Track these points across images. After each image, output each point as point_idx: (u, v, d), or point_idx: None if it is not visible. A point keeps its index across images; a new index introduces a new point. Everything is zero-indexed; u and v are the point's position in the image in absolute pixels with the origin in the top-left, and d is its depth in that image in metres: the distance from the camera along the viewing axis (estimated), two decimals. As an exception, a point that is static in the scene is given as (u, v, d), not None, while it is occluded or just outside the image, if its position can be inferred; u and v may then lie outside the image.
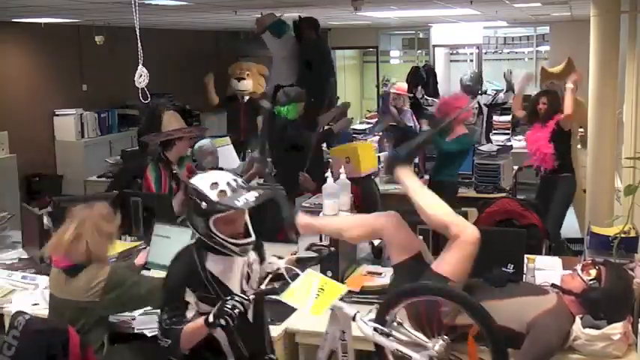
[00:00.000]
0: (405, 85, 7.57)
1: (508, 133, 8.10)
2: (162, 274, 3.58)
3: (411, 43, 12.55)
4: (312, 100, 5.77)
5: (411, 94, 7.51)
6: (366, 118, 9.52)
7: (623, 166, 4.99)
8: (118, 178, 6.39)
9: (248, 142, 7.46)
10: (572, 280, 2.86)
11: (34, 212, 4.16)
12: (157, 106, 6.46)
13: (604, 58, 4.79)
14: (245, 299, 2.45)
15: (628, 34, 5.02)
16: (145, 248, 3.97)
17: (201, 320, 2.47)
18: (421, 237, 3.30)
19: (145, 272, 3.65)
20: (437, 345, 2.53)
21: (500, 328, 2.58)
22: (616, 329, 2.73)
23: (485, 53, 11.85)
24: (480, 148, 6.38)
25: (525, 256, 3.38)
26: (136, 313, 3.24)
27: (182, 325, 2.51)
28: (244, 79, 8.07)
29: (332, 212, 3.76)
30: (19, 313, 3.06)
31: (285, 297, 2.44)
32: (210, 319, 2.44)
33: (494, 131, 7.93)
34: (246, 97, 8.04)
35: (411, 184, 3.10)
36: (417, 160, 6.61)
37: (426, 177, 6.18)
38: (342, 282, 3.27)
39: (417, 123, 7.05)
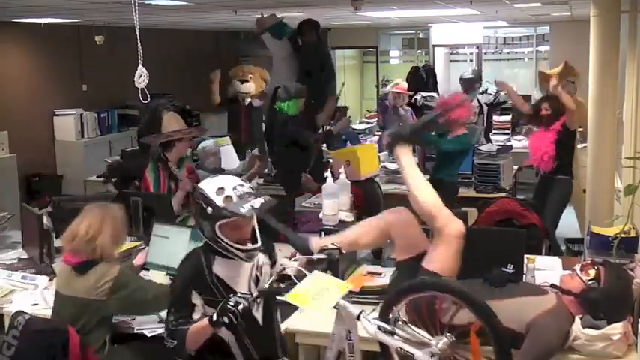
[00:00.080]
0: (405, 84, 7.58)
1: (508, 133, 8.10)
2: (161, 274, 3.62)
3: (411, 43, 12.55)
4: (312, 102, 5.78)
5: (412, 93, 7.53)
6: (366, 118, 9.53)
7: (623, 166, 4.99)
8: (114, 171, 6.38)
9: (248, 145, 7.47)
10: (571, 280, 2.86)
11: (34, 212, 4.16)
12: (157, 106, 6.46)
13: (604, 58, 4.79)
14: (247, 295, 2.45)
15: (628, 34, 5.02)
16: (144, 248, 3.97)
17: (205, 320, 2.48)
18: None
19: (144, 272, 3.64)
20: (440, 342, 2.53)
21: (506, 335, 2.59)
22: (616, 329, 2.73)
23: (485, 53, 11.84)
24: (480, 148, 6.38)
25: (525, 256, 3.38)
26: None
27: (188, 326, 2.52)
28: (247, 81, 8.08)
29: (332, 212, 3.77)
30: (19, 312, 3.07)
31: (290, 297, 2.45)
32: (214, 317, 2.44)
33: (494, 131, 7.93)
34: (247, 100, 8.04)
35: (408, 167, 3.12)
36: (417, 161, 6.62)
37: (426, 177, 6.18)
38: (343, 282, 3.27)
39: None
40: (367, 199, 4.94)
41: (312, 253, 2.98)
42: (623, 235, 3.27)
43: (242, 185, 2.58)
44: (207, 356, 2.63)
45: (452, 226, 2.91)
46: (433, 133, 5.79)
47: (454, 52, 12.67)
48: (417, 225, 3.07)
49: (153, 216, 4.13)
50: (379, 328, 2.58)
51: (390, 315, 2.67)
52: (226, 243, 2.54)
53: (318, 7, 6.33)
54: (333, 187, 3.80)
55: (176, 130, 4.72)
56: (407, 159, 3.15)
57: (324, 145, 6.33)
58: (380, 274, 3.63)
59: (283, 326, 3.12)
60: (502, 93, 7.60)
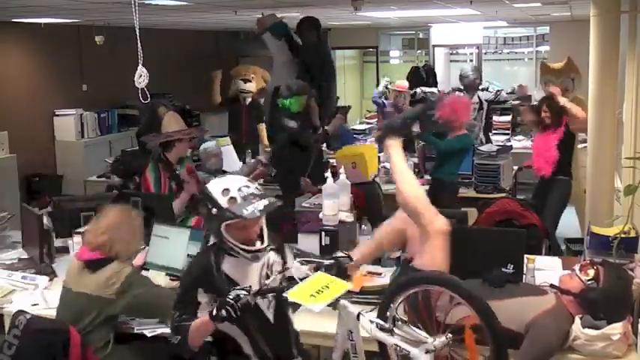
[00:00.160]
0: (406, 83, 7.58)
1: (508, 133, 8.10)
2: (161, 274, 3.62)
3: (411, 43, 12.55)
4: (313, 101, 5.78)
5: (412, 92, 7.54)
6: (366, 118, 9.52)
7: (623, 166, 4.98)
8: (116, 167, 6.41)
9: (249, 145, 7.48)
10: (570, 281, 2.86)
11: (34, 212, 4.16)
12: (157, 106, 6.46)
13: (604, 58, 4.78)
14: (247, 289, 2.45)
15: (628, 34, 5.01)
16: (144, 248, 3.97)
17: (206, 315, 2.49)
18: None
19: (143, 272, 3.64)
20: (436, 340, 2.53)
21: (501, 327, 2.59)
22: (616, 329, 2.73)
23: (485, 53, 11.85)
24: (480, 148, 6.39)
25: (525, 256, 3.38)
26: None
27: (191, 322, 2.53)
28: (250, 81, 8.08)
29: (332, 212, 3.77)
30: (20, 312, 3.08)
31: (291, 294, 2.45)
32: (214, 311, 2.44)
33: (494, 131, 7.93)
34: (248, 100, 8.04)
35: (397, 161, 3.13)
36: (417, 160, 6.63)
37: (427, 177, 6.19)
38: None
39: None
40: (367, 199, 4.93)
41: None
42: (623, 235, 3.27)
43: (248, 186, 2.58)
44: (220, 356, 2.65)
45: (437, 223, 2.92)
46: (433, 133, 5.83)
47: (454, 52, 12.67)
48: None
49: (153, 216, 4.13)
50: (377, 326, 2.59)
51: (388, 314, 2.67)
52: (232, 243, 2.55)
53: (318, 7, 6.33)
54: (333, 187, 3.80)
55: (176, 130, 4.72)
56: (396, 155, 3.15)
57: (324, 145, 6.33)
58: (380, 274, 3.63)
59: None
60: (503, 92, 7.61)
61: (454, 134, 5.61)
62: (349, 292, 2.95)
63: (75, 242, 3.92)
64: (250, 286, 2.49)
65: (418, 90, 7.66)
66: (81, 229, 3.96)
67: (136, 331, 3.16)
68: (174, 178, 4.63)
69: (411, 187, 3.05)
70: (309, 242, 3.81)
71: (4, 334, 3.13)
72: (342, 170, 4.14)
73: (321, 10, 6.88)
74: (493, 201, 4.59)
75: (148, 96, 3.39)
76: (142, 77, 3.28)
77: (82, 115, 8.34)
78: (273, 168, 5.93)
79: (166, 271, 3.67)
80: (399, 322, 2.64)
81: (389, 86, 7.62)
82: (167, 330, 3.06)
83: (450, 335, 2.55)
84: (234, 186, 2.56)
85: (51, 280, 3.72)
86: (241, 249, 2.56)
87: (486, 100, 7.59)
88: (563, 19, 9.74)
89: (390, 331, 2.59)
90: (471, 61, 11.93)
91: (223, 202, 2.53)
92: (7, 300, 3.53)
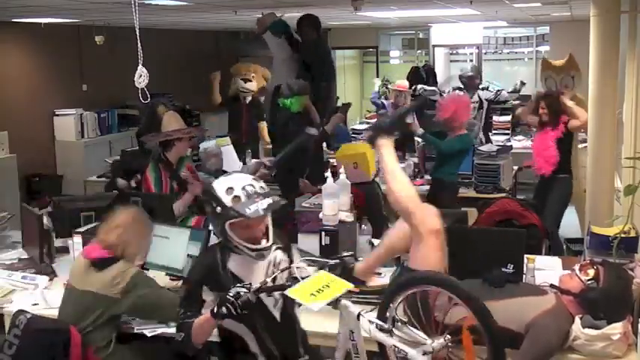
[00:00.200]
0: (406, 82, 7.58)
1: (508, 133, 8.10)
2: (161, 274, 3.62)
3: (411, 43, 12.55)
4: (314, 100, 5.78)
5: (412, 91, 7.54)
6: (366, 118, 9.52)
7: (623, 166, 4.98)
8: (116, 168, 6.40)
9: (249, 144, 7.47)
10: (570, 281, 2.86)
11: (34, 212, 4.16)
12: (157, 106, 6.46)
13: (604, 58, 4.78)
14: (248, 286, 2.45)
15: (628, 34, 5.01)
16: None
17: (208, 312, 2.49)
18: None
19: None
20: (435, 342, 2.53)
21: (498, 328, 2.58)
22: (616, 329, 2.73)
23: (485, 53, 11.85)
24: (480, 148, 6.39)
25: (525, 256, 3.38)
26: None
27: (194, 319, 2.53)
28: (250, 80, 8.07)
29: (332, 212, 3.77)
30: (21, 311, 3.08)
31: (292, 292, 2.45)
32: (215, 309, 2.45)
33: (494, 131, 7.93)
34: (249, 99, 8.04)
35: (389, 160, 3.12)
36: (416, 160, 6.63)
37: (427, 177, 6.19)
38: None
39: (417, 121, 7.05)
40: (367, 199, 4.92)
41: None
42: (623, 235, 3.27)
43: (252, 185, 2.58)
44: (228, 354, 2.66)
45: (429, 222, 2.91)
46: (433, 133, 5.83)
47: (454, 52, 12.68)
48: None
49: (153, 216, 4.13)
50: (376, 327, 2.59)
51: (388, 314, 2.67)
52: (236, 242, 2.56)
53: (318, 7, 6.33)
54: (333, 187, 3.79)
55: (175, 129, 4.72)
56: (387, 155, 3.14)
57: (324, 144, 6.32)
58: (380, 274, 3.63)
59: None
60: (504, 92, 7.61)
61: (454, 134, 5.61)
62: (349, 292, 2.95)
63: (75, 242, 3.91)
64: (250, 284, 2.49)
65: (419, 86, 7.65)
66: (81, 229, 3.96)
67: (136, 331, 3.16)
68: (175, 178, 4.63)
69: (402, 186, 3.04)
70: (309, 242, 3.81)
71: (4, 333, 3.13)
72: (342, 170, 4.13)
73: (321, 10, 6.88)
74: (493, 201, 4.59)
75: (148, 96, 3.39)
76: (141, 77, 3.27)
77: (82, 115, 8.35)
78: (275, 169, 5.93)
79: (166, 271, 3.67)
80: (399, 323, 2.64)
81: (389, 86, 7.62)
82: (167, 330, 3.07)
83: (448, 337, 2.55)
84: (238, 184, 2.56)
85: (51, 280, 3.72)
86: (246, 247, 2.57)
87: (486, 100, 7.60)
88: (563, 19, 9.74)
89: (390, 332, 2.59)
90: (471, 61, 11.94)
91: (227, 200, 2.53)
92: (7, 300, 3.53)
